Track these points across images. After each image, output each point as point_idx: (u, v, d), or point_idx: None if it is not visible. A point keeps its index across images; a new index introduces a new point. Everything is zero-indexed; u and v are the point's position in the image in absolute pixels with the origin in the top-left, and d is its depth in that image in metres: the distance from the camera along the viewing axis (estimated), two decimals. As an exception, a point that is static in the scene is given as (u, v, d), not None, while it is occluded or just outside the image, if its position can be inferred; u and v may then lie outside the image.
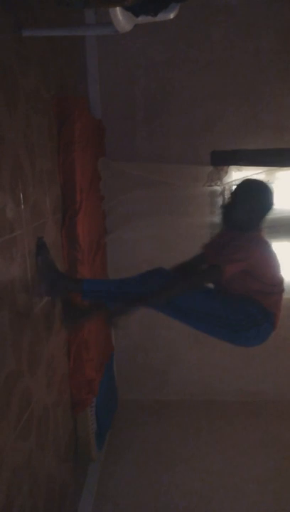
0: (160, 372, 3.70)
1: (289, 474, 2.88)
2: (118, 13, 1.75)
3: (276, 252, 2.21)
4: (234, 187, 3.02)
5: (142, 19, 1.84)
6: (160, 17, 1.83)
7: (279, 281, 2.20)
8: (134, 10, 1.80)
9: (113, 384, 3.57)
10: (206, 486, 2.82)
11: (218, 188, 3.34)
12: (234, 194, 2.25)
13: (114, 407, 3.51)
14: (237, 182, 3.24)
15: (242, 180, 2.34)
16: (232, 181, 3.32)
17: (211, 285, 2.26)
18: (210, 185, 3.32)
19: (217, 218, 2.53)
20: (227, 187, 3.33)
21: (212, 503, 2.70)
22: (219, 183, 3.31)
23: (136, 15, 1.82)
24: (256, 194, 2.21)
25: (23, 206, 1.90)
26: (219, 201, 3.37)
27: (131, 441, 3.22)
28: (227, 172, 3.31)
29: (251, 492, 2.76)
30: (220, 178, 3.30)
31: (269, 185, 2.29)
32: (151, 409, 3.58)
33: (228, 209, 2.26)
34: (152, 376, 3.70)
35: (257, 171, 3.26)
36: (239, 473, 2.91)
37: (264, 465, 2.96)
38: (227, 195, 3.33)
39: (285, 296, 3.34)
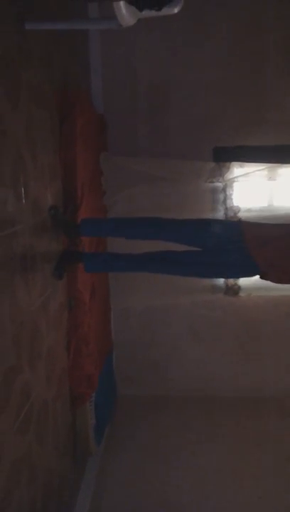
0: (160, 368, 3.70)
1: (286, 470, 2.89)
2: (122, 7, 1.74)
3: None
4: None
5: (146, 13, 1.83)
6: (165, 11, 1.82)
7: None
8: (138, 4, 1.79)
9: (112, 379, 3.58)
10: (204, 481, 2.83)
11: (220, 185, 3.33)
12: None
13: (113, 402, 3.52)
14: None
15: None
16: (233, 178, 3.31)
17: None
18: (212, 182, 3.31)
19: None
20: (228, 183, 3.32)
21: (210, 499, 2.71)
22: (221, 180, 3.30)
23: (140, 9, 1.81)
24: None
25: (24, 201, 1.90)
26: (221, 198, 3.36)
27: (130, 436, 3.23)
28: (229, 168, 3.29)
29: (249, 488, 2.77)
30: (222, 175, 3.29)
31: None
32: (150, 404, 3.58)
33: None
34: (151, 372, 3.71)
35: (259, 168, 3.25)
36: (238, 469, 2.91)
37: (263, 462, 2.97)
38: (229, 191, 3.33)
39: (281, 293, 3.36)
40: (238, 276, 3.11)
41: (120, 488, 2.80)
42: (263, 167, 3.24)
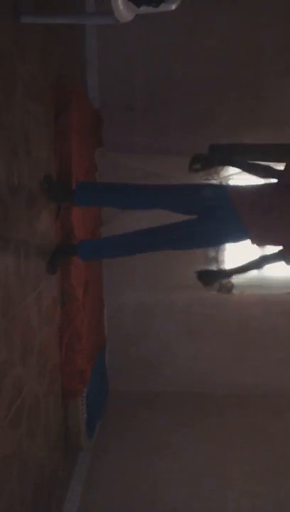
0: (152, 364, 3.70)
1: (277, 468, 2.91)
2: (119, 3, 1.73)
3: None
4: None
5: (144, 9, 1.82)
6: (162, 8, 1.81)
7: None
8: (136, 0, 1.78)
9: (105, 374, 3.58)
10: (196, 477, 2.85)
11: (215, 182, 3.33)
12: None
13: (105, 398, 3.52)
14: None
15: None
16: (229, 175, 3.31)
17: None
18: (207, 179, 3.30)
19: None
20: (223, 181, 3.32)
21: (200, 494, 2.73)
22: (216, 177, 3.30)
23: (138, 5, 1.80)
24: None
25: (18, 195, 1.89)
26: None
27: (121, 432, 3.23)
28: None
29: (239, 484, 2.79)
30: (217, 172, 3.29)
31: None
32: (142, 400, 3.59)
33: None
34: (144, 367, 3.71)
35: (255, 166, 3.25)
36: (228, 465, 2.93)
37: (253, 458, 2.99)
38: None
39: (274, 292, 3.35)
40: (228, 242, 2.92)
41: (111, 483, 2.81)
42: (258, 165, 3.24)
